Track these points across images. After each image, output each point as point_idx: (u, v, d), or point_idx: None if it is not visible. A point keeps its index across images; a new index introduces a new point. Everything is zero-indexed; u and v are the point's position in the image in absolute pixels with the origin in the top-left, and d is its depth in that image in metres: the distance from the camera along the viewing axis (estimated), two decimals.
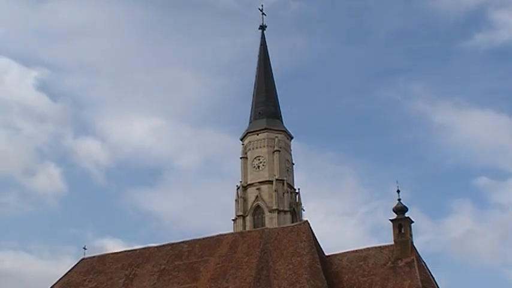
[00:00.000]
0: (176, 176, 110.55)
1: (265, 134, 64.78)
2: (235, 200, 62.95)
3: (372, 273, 36.03)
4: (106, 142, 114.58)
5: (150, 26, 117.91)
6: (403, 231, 37.41)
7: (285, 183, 62.45)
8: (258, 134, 65.11)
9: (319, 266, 35.61)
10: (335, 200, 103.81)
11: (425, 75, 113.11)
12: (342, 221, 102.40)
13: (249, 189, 62.96)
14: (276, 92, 68.56)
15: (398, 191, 38.63)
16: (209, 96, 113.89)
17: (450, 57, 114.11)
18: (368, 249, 37.84)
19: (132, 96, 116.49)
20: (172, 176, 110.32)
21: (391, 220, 38.08)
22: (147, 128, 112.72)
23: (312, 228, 38.50)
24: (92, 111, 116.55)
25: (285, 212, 60.92)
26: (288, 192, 62.30)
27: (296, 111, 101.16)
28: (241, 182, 63.75)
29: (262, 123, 65.66)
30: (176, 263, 39.82)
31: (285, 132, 66.16)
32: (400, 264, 35.80)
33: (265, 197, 61.91)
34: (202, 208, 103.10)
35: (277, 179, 62.20)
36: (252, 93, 68.54)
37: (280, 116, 67.54)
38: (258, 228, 47.73)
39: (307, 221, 39.49)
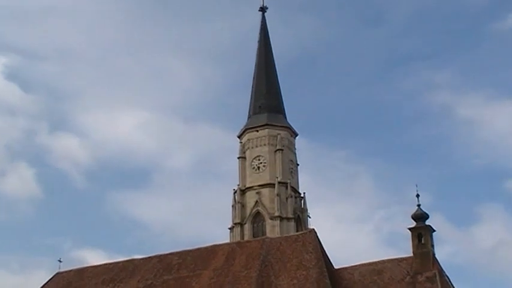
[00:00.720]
0: (166, 178, 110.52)
1: (266, 130, 64.63)
2: (232, 206, 62.83)
3: None
4: (86, 139, 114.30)
5: (138, 6, 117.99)
6: (423, 241, 37.35)
7: (289, 187, 62.29)
8: (257, 131, 64.95)
9: (328, 281, 35.38)
10: (346, 206, 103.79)
11: (450, 62, 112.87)
12: (353, 229, 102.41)
13: (248, 193, 62.80)
14: (278, 83, 68.41)
15: (417, 196, 38.71)
16: (203, 87, 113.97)
17: (479, 41, 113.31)
18: (383, 261, 37.69)
19: (117, 86, 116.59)
20: (162, 178, 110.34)
21: (409, 229, 38.07)
22: (133, 123, 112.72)
23: (320, 237, 38.41)
24: (70, 104, 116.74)
25: (289, 219, 60.75)
26: (292, 196, 62.15)
27: (301, 104, 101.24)
28: (238, 185, 63.60)
29: (262, 118, 65.49)
30: (165, 277, 39.62)
31: (289, 128, 65.98)
32: (420, 279, 35.63)
33: (266, 202, 61.75)
34: (195, 215, 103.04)
35: (279, 182, 62.05)
36: (252, 84, 68.38)
37: (283, 110, 67.41)
38: (258, 238, 47.71)
39: (313, 229, 39.49)
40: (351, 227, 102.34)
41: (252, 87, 68.28)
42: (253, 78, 68.66)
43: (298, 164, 66.09)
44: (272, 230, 59.53)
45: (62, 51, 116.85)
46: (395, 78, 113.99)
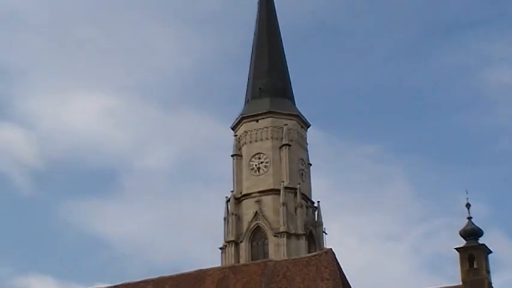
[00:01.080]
0: (138, 182, 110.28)
1: (269, 119, 64.54)
2: (225, 218, 62.79)
3: None
4: (33, 131, 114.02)
5: None
6: (475, 265, 37.53)
7: (298, 193, 62.13)
8: (257, 121, 64.87)
9: None
10: (373, 218, 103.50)
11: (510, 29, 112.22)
12: (383, 249, 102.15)
13: (245, 203, 62.73)
14: (284, 58, 68.32)
15: (468, 205, 38.63)
16: (188, 63, 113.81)
17: None
18: None
19: (75, 62, 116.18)
20: (133, 183, 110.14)
21: (457, 249, 38.01)
22: (95, 110, 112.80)
23: (339, 259, 38.09)
24: (11, 85, 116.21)
25: (299, 236, 60.64)
26: (302, 206, 62.03)
27: (315, 86, 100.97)
28: (232, 191, 63.53)
29: (264, 103, 65.35)
30: None
31: (298, 117, 65.89)
32: None
33: (269, 213, 61.59)
34: (176, 230, 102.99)
35: (286, 187, 61.83)
36: (250, 60, 68.29)
37: (291, 94, 67.31)
38: (259, 261, 47.40)
39: (331, 249, 39.16)
40: (380, 246, 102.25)
41: (251, 63, 68.07)
42: (252, 51, 68.43)
43: (310, 164, 66.00)
44: (276, 250, 59.41)
45: (1, 14, 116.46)
46: (438, 51, 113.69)
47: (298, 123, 65.82)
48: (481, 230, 38.36)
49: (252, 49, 68.62)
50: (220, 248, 62.16)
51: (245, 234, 61.74)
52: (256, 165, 63.83)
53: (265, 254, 59.10)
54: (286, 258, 49.59)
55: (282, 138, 63.82)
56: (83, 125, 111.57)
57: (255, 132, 64.73)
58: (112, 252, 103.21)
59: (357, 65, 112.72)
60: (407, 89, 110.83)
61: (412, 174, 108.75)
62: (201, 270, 40.54)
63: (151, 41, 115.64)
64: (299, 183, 62.84)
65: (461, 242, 38.32)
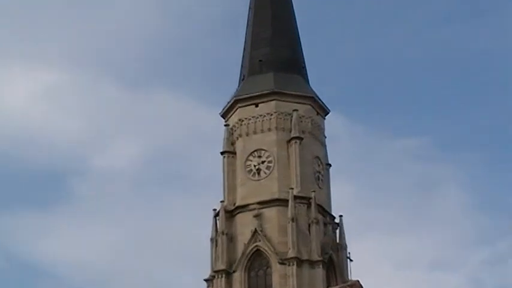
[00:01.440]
0: (93, 187, 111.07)
1: (273, 103, 64.16)
2: (212, 239, 62.68)
3: None
4: None
5: None
6: None
7: (313, 205, 61.42)
8: (257, 105, 64.55)
9: None
10: (416, 239, 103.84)
11: None
12: (429, 280, 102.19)
13: (240, 217, 62.34)
14: (294, 20, 68.43)
15: None
16: (162, 26, 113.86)
17: None
18: None
19: (9, 26, 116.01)
20: (86, 188, 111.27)
21: None
22: (35, 90, 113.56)
23: None
24: None
25: (313, 263, 59.70)
26: (318, 222, 61.34)
27: (335, 57, 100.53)
28: (223, 201, 63.24)
29: (266, 81, 65.09)
30: None
31: (313, 99, 65.47)
32: None
33: (273, 232, 61.01)
34: (146, 255, 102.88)
35: (296, 197, 61.18)
36: (246, 23, 68.47)
37: (303, 69, 67.23)
38: None
39: (358, 281, 39.05)
40: (424, 277, 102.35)
41: (248, 27, 68.24)
42: (250, 11, 68.56)
43: (329, 165, 66.01)
44: (283, 282, 59.00)
45: None
46: (502, 11, 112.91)
47: (313, 108, 65.34)
48: None
49: (250, 8, 68.54)
50: (206, 280, 61.98)
51: (240, 260, 61.10)
52: (255, 166, 63.41)
53: (268, 287, 59.20)
54: None
55: (290, 129, 63.29)
56: (16, 110, 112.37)
57: (253, 120, 64.29)
58: (57, 284, 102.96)
59: (394, 29, 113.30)
60: (462, 61, 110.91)
61: (469, 178, 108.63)
62: None
63: None
64: (314, 191, 62.17)
65: None
